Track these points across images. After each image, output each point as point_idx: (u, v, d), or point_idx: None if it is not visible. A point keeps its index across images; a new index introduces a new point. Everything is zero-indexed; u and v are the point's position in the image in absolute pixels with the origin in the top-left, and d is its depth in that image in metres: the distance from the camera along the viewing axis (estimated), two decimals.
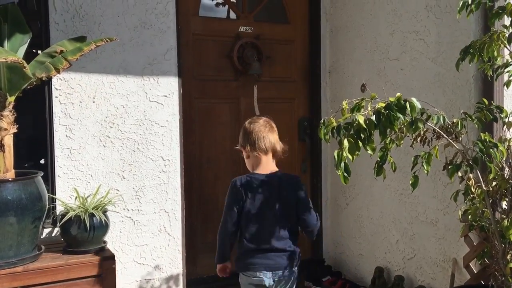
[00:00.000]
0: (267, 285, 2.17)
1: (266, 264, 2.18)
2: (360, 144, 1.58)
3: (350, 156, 1.57)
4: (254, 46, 3.58)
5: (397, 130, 1.65)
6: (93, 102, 2.92)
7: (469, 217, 2.09)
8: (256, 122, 2.31)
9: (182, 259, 3.23)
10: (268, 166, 2.29)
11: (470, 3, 1.95)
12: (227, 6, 3.62)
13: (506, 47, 2.01)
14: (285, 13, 3.78)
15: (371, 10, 3.34)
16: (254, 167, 2.31)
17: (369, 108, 1.67)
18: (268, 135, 2.28)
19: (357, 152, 1.57)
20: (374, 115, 1.61)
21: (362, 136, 1.58)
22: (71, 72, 2.82)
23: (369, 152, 1.62)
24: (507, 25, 2.03)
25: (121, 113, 3.00)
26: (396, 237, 3.21)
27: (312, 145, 3.82)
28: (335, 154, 1.60)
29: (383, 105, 1.63)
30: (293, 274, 2.26)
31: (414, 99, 1.66)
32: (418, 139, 1.99)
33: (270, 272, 2.17)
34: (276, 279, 2.18)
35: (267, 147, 2.27)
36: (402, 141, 1.84)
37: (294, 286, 2.29)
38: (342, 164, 1.58)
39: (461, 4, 1.98)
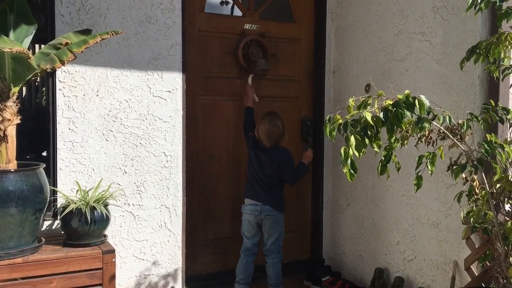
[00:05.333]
0: None
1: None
2: (367, 141, 1.57)
3: (356, 153, 1.56)
4: (259, 43, 3.57)
5: (404, 128, 1.64)
6: (97, 95, 2.91)
7: (472, 218, 2.08)
8: (271, 122, 3.24)
9: (182, 255, 3.22)
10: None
11: (479, 1, 1.93)
12: (232, 3, 3.61)
13: None
14: (291, 12, 3.77)
15: (377, 10, 3.33)
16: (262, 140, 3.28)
17: (376, 106, 1.65)
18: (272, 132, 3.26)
19: (363, 149, 1.56)
20: (382, 112, 1.60)
21: (369, 133, 1.57)
22: (76, 65, 2.82)
23: (375, 149, 1.61)
24: None
25: (124, 108, 2.99)
26: (397, 238, 3.20)
27: (314, 145, 3.81)
28: (342, 151, 1.59)
29: (391, 102, 1.62)
30: None
31: (422, 97, 1.65)
32: (423, 139, 1.98)
33: None
34: None
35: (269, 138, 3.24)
36: (406, 141, 1.83)
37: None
38: (349, 161, 1.57)
39: (470, 2, 1.97)
